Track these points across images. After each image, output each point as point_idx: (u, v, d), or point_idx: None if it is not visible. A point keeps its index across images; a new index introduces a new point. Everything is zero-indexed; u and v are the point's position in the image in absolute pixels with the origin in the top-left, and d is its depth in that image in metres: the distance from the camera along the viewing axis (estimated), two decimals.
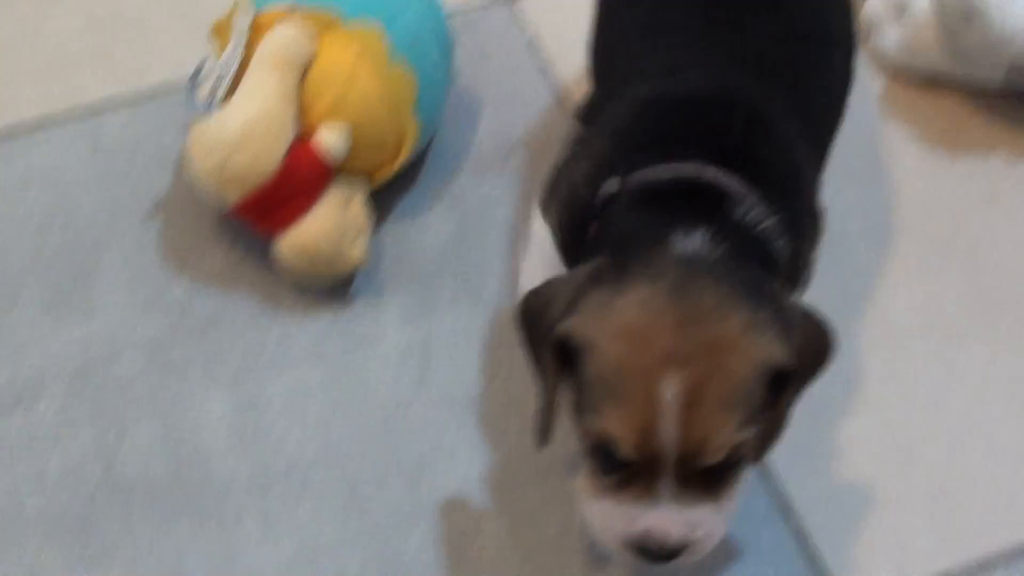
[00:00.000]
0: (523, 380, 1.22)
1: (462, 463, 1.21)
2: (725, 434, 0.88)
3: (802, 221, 1.06)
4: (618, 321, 0.90)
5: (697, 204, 0.97)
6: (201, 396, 1.25)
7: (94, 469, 1.20)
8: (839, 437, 1.22)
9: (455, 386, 1.26)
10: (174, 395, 1.25)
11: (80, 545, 1.16)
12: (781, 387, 0.92)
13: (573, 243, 1.07)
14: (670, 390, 0.87)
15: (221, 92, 1.24)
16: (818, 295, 1.08)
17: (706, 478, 0.91)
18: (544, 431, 0.98)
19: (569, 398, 0.95)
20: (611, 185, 1.01)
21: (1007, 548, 1.16)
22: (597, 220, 1.02)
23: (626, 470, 0.91)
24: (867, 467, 1.21)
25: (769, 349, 0.91)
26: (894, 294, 1.32)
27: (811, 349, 0.95)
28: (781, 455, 1.13)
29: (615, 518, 0.93)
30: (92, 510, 1.18)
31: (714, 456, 0.89)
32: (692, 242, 0.95)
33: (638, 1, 1.18)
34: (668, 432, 0.87)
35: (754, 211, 0.98)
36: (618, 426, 0.89)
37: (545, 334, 0.94)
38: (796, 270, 1.06)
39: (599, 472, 0.93)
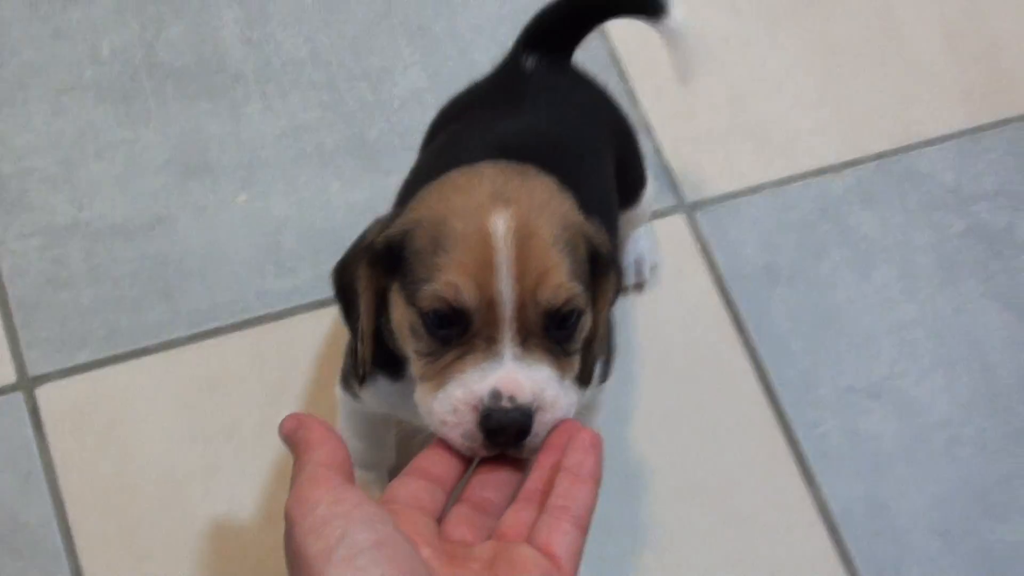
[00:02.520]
0: None
1: (412, 76, 1.61)
2: (561, 272, 0.85)
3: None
4: (439, 193, 0.90)
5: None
6: (219, 6, 1.63)
7: (137, 54, 1.59)
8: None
9: (415, 17, 1.65)
10: (200, 4, 1.62)
11: (124, 110, 1.55)
12: (596, 280, 0.92)
13: None
14: (502, 224, 0.84)
15: None
16: None
17: (546, 339, 0.87)
18: (361, 366, 0.96)
19: (395, 309, 0.91)
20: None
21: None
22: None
23: (465, 335, 0.86)
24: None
25: (588, 224, 0.91)
26: None
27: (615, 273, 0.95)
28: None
29: (460, 393, 0.85)
30: (134, 84, 1.57)
31: (554, 296, 0.85)
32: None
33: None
34: (506, 268, 0.83)
35: None
36: (456, 272, 0.84)
37: (359, 257, 0.92)
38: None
39: (436, 353, 0.87)
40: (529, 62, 1.24)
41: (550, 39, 1.26)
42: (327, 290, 1.36)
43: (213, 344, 1.40)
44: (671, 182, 1.59)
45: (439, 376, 0.86)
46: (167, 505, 1.30)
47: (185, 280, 1.44)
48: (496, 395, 0.83)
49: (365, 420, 1.21)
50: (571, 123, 1.21)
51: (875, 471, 1.43)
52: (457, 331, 0.85)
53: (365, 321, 0.93)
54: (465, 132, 1.18)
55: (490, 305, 0.84)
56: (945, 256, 1.59)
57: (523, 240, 0.84)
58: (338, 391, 1.19)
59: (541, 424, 0.84)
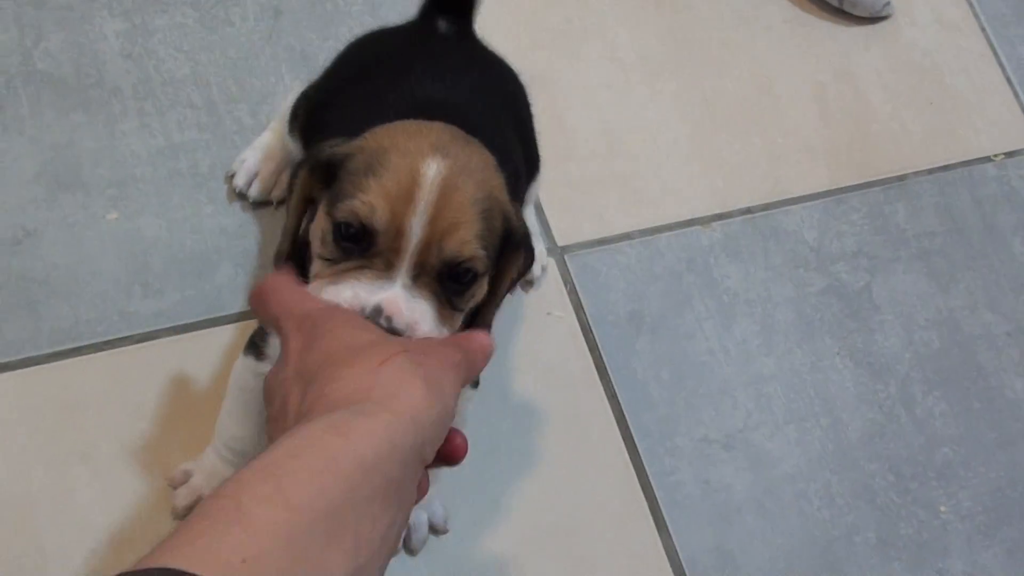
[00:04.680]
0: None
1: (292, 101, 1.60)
2: (471, 231, 0.92)
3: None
4: (388, 132, 0.97)
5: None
6: (103, 18, 1.60)
7: (13, 60, 1.55)
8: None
9: (298, 43, 1.64)
10: (82, 14, 1.59)
11: None
12: (506, 255, 1.00)
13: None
14: (434, 169, 0.91)
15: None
16: None
17: (436, 284, 0.93)
18: (279, 256, 1.03)
19: (317, 218, 0.99)
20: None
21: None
22: None
23: (368, 253, 0.92)
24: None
25: (510, 205, 0.98)
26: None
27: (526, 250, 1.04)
28: None
29: (349, 294, 0.91)
30: (9, 92, 1.53)
31: (457, 249, 0.92)
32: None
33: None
34: (423, 207, 0.90)
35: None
36: (377, 195, 0.90)
37: (303, 163, 1.01)
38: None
39: (336, 260, 0.94)
40: (442, 25, 1.30)
41: (451, 2, 1.31)
42: (193, 314, 1.41)
43: (74, 364, 1.37)
44: (544, 224, 1.61)
45: (334, 276, 0.92)
46: (16, 528, 1.27)
47: (49, 296, 1.41)
48: (378, 310, 0.90)
49: (252, 398, 1.21)
50: (488, 91, 1.27)
51: (725, 521, 1.46)
52: (361, 248, 0.92)
53: (290, 219, 1.01)
54: (389, 87, 1.20)
55: (397, 234, 0.90)
56: (804, 313, 1.64)
57: (447, 191, 0.91)
58: (238, 362, 1.23)
59: None
